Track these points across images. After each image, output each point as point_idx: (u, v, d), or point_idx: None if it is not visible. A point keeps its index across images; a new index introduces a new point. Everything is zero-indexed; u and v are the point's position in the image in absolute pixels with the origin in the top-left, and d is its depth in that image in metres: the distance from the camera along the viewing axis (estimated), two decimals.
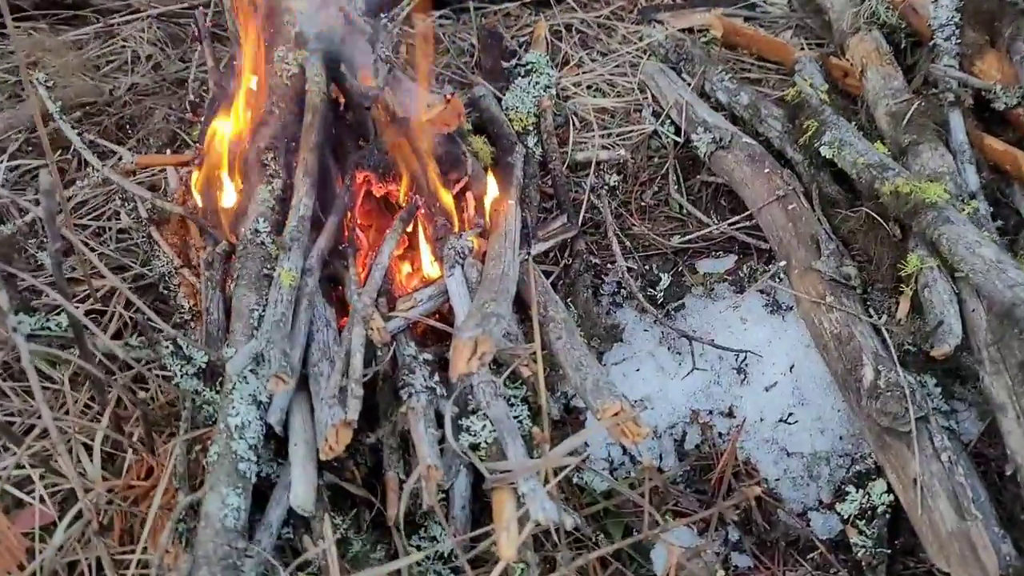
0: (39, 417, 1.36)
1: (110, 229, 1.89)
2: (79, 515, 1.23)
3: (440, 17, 2.89)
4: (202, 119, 1.74)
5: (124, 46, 2.54)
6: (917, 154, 1.77)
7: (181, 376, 1.28)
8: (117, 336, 1.62)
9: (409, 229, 1.57)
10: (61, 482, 1.32)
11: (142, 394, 1.46)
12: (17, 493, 1.31)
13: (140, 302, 1.16)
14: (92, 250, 1.79)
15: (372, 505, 1.32)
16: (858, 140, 1.82)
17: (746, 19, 2.88)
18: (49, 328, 1.33)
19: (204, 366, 1.30)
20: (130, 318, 1.64)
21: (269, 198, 1.44)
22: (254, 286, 1.31)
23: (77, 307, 1.40)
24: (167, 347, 1.28)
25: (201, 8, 1.79)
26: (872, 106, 1.97)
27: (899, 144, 1.81)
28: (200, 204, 1.51)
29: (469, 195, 1.64)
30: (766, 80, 2.56)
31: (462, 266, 1.44)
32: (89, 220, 1.91)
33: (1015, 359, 1.42)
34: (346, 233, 1.50)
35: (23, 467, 1.31)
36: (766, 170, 1.92)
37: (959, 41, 1.90)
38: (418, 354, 1.37)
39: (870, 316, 1.61)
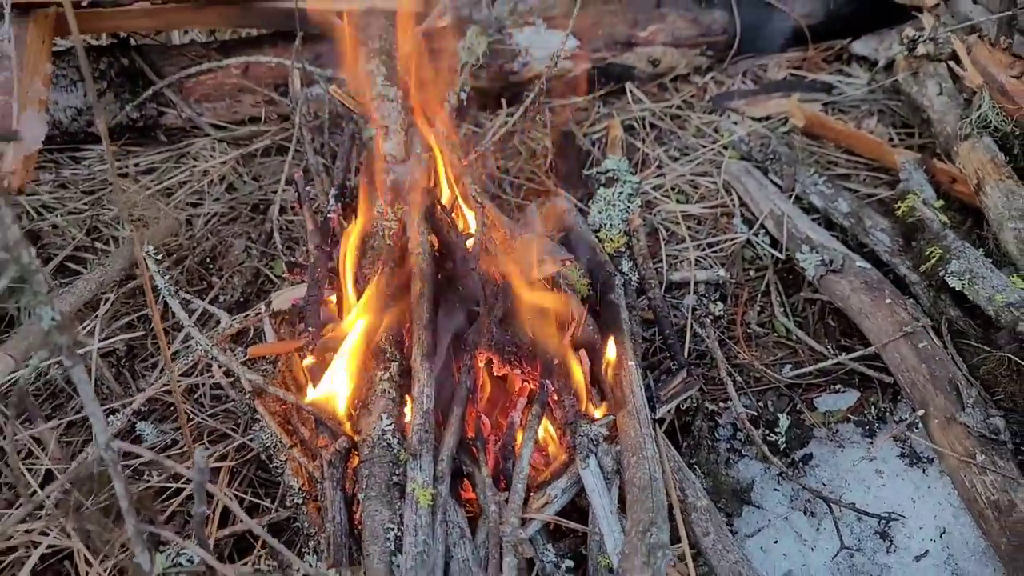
0: None
1: (203, 385, 1.83)
2: None
3: (507, 114, 2.83)
4: (302, 281, 1.67)
5: (195, 166, 2.50)
6: None
7: None
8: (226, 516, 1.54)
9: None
10: None
11: None
12: None
13: (273, 540, 1.08)
14: (190, 418, 1.73)
15: None
16: (991, 272, 1.71)
17: (825, 105, 2.80)
18: (180, 564, 1.26)
19: None
20: (238, 496, 1.57)
21: (389, 388, 1.37)
22: (385, 499, 1.23)
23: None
24: (299, 572, 1.20)
25: (298, 173, 1.73)
26: (997, 227, 1.85)
27: None
28: (316, 392, 1.43)
29: (582, 353, 1.54)
30: (856, 176, 2.45)
31: (596, 455, 1.35)
32: (181, 376, 1.84)
33: None
34: (472, 423, 1.41)
35: None
36: (887, 300, 1.81)
37: None
38: (559, 561, 1.27)
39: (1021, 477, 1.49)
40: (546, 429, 1.46)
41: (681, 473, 1.43)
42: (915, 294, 1.89)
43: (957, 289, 1.74)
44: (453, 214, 1.69)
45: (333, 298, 1.56)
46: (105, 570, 1.44)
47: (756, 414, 1.81)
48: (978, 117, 2.02)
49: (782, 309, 2.04)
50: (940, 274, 1.77)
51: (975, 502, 1.50)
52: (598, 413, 1.44)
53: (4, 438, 1.39)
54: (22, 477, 1.47)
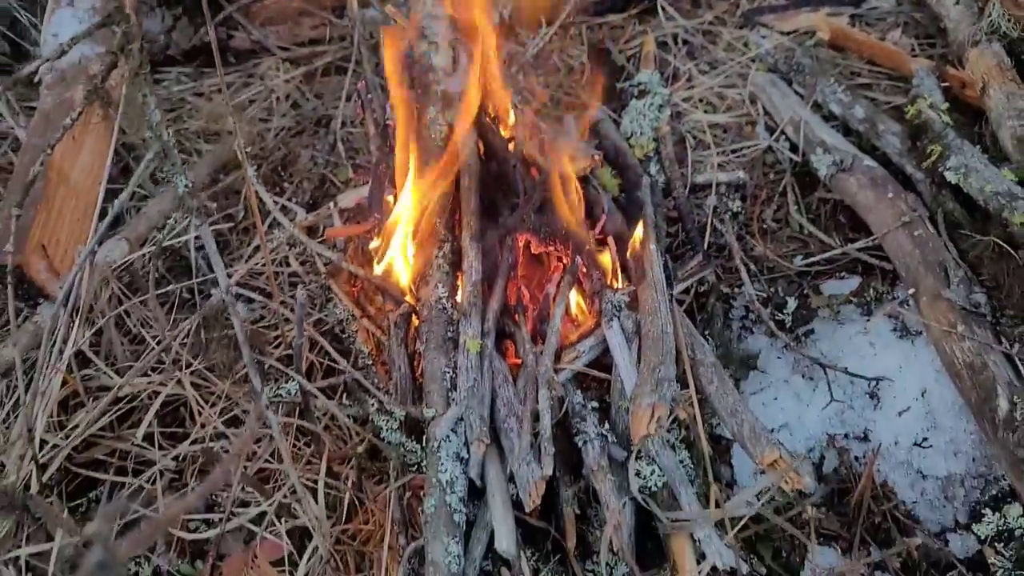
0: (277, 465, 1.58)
1: (282, 274, 2.12)
2: (315, 550, 1.46)
3: (546, 34, 3.00)
4: (368, 181, 1.92)
5: (263, 85, 2.75)
6: None
7: (387, 430, 1.48)
8: (310, 376, 1.84)
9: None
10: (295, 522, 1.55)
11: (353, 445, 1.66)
12: (257, 530, 1.55)
13: (359, 375, 1.36)
14: (268, 295, 2.02)
15: (549, 534, 1.51)
16: (985, 166, 1.88)
17: (852, 17, 2.90)
18: (280, 395, 1.55)
19: (403, 420, 1.50)
20: (318, 362, 1.86)
21: (443, 263, 1.63)
22: (442, 349, 1.50)
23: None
24: (374, 405, 1.48)
25: (361, 84, 1.96)
26: (996, 126, 2.01)
27: None
28: (381, 267, 1.70)
29: (610, 239, 1.78)
30: (877, 85, 2.59)
31: (619, 318, 1.59)
32: (262, 267, 2.13)
33: None
34: (514, 293, 1.67)
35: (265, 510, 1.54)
36: (889, 195, 2.00)
37: None
38: (586, 402, 1.54)
39: (1002, 345, 1.69)
40: (578, 304, 1.71)
41: (692, 337, 1.68)
42: (919, 191, 2.06)
43: (953, 182, 1.91)
44: (497, 119, 1.91)
45: (390, 198, 1.81)
46: (215, 414, 1.76)
47: (767, 297, 2.04)
48: (988, 24, 2.14)
49: (796, 207, 2.23)
50: (940, 169, 1.95)
51: (953, 365, 1.72)
52: (621, 285, 1.69)
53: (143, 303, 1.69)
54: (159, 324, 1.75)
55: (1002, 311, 1.77)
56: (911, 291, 1.86)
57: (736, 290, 2.06)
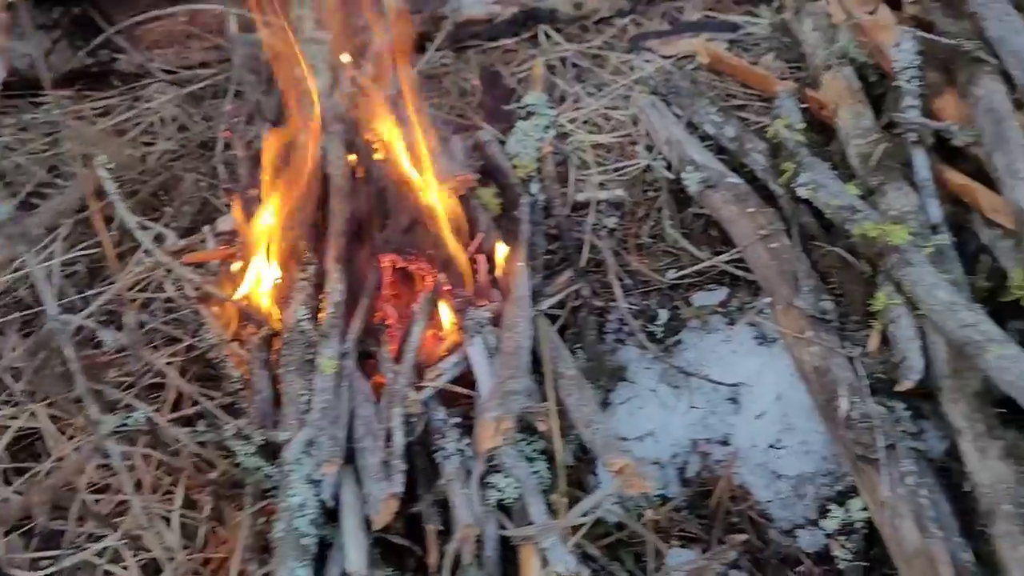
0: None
1: (157, 299, 2.10)
2: None
3: (441, 57, 3.06)
4: (237, 202, 1.93)
5: (148, 108, 2.73)
6: (884, 194, 1.95)
7: (243, 455, 1.49)
8: (176, 406, 1.83)
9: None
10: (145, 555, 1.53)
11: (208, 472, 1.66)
12: (108, 567, 1.52)
13: (209, 405, 1.36)
14: (142, 324, 1.99)
15: (413, 552, 1.53)
16: (832, 181, 2.00)
17: (731, 42, 3.05)
18: (127, 424, 1.54)
19: (262, 445, 1.51)
20: (187, 389, 1.85)
21: (306, 285, 1.65)
22: (300, 371, 1.52)
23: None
24: (229, 431, 1.49)
25: (230, 107, 1.97)
26: (844, 144, 2.14)
27: (868, 184, 1.99)
28: (244, 290, 1.71)
29: (481, 257, 1.83)
30: (750, 106, 2.72)
31: (482, 335, 1.64)
32: (136, 293, 2.11)
33: (970, 389, 1.62)
34: (376, 312, 1.70)
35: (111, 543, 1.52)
36: (750, 209, 2.10)
37: (921, 83, 2.07)
38: (448, 418, 1.57)
39: (845, 349, 1.80)
40: (449, 322, 1.75)
41: (557, 351, 1.73)
42: (780, 205, 2.18)
43: (804, 197, 2.03)
44: (374, 140, 1.95)
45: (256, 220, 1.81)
46: (70, 447, 1.72)
47: (641, 310, 2.11)
48: (839, 49, 2.29)
49: (671, 222, 2.32)
50: (793, 185, 2.06)
51: (803, 369, 1.82)
52: (486, 302, 1.73)
53: None
54: None
55: (847, 316, 1.88)
56: (767, 300, 1.96)
57: (611, 304, 2.13)
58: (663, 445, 1.83)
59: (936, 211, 1.96)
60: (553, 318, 2.05)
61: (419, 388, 1.58)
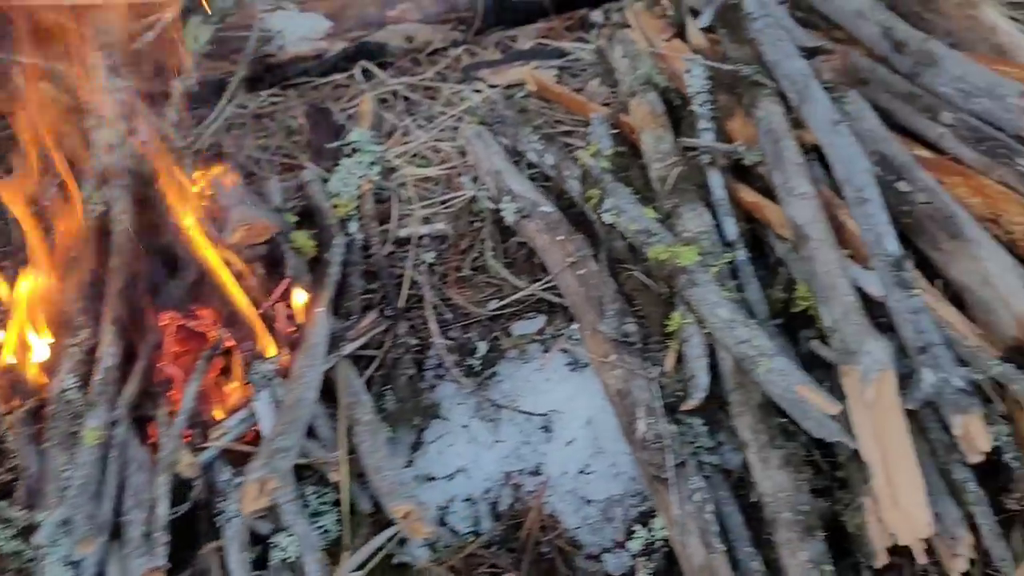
0: None
1: None
2: None
3: (270, 95, 3.01)
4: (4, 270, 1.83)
5: None
6: (680, 215, 2.02)
7: (2, 540, 1.40)
8: None
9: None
10: None
11: None
12: None
13: None
14: None
15: None
16: (632, 206, 2.06)
17: (560, 69, 3.12)
18: None
19: (25, 526, 1.42)
20: None
21: (78, 351, 1.57)
22: (64, 446, 1.44)
23: None
24: None
25: None
26: (648, 168, 2.21)
27: (664, 207, 2.05)
28: (11, 360, 1.61)
29: (280, 305, 1.79)
30: (576, 132, 2.78)
31: (270, 389, 1.60)
32: None
33: (754, 402, 1.68)
34: (155, 373, 1.64)
35: None
36: (560, 237, 2.14)
37: (713, 107, 2.16)
38: (233, 478, 1.52)
39: (646, 370, 1.84)
40: (237, 376, 1.70)
41: (356, 396, 1.71)
42: (595, 230, 2.22)
43: (610, 222, 2.08)
44: (164, 193, 1.89)
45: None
46: None
47: (462, 343, 2.12)
48: (642, 75, 2.37)
49: (492, 253, 2.34)
50: (598, 212, 2.11)
51: (609, 392, 1.85)
52: (274, 353, 1.69)
53: None
54: None
55: (649, 338, 1.93)
56: (576, 326, 1.99)
57: (432, 340, 2.12)
58: (475, 480, 1.82)
59: (732, 228, 2.04)
60: (369, 359, 2.04)
61: (200, 449, 1.52)
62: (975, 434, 1.47)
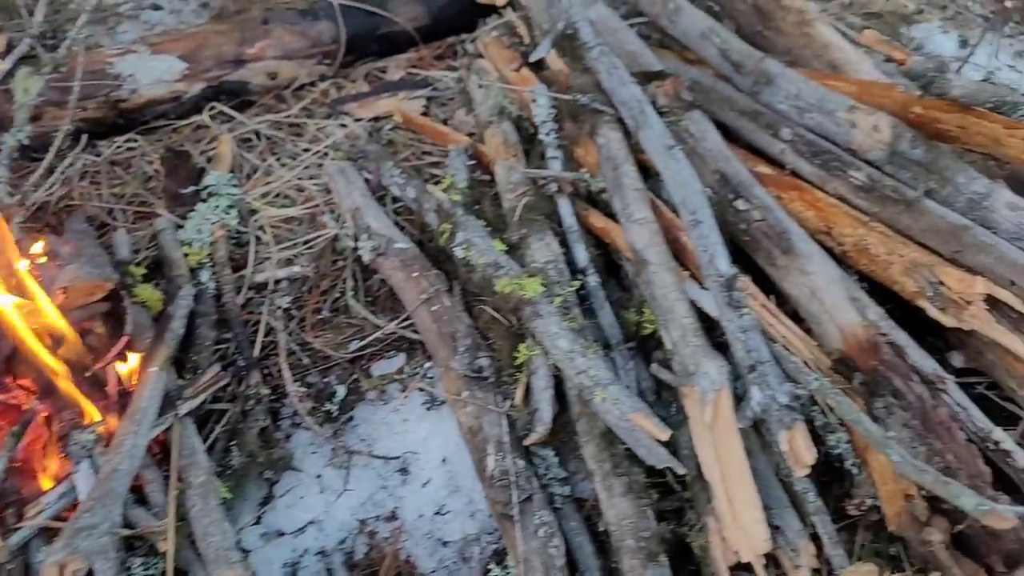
0: None
1: None
2: None
3: (126, 141, 2.90)
4: None
5: None
6: (528, 246, 2.03)
7: None
8: None
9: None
10: None
11: None
12: None
13: None
14: None
15: None
16: (482, 239, 2.05)
17: (430, 99, 3.11)
18: None
19: None
20: None
21: None
22: None
23: None
24: None
25: None
26: (501, 198, 2.22)
27: (512, 239, 2.06)
28: None
29: (110, 369, 1.71)
30: (443, 163, 2.78)
31: (91, 459, 1.52)
32: None
33: (597, 431, 1.69)
34: None
35: None
36: (415, 274, 2.12)
37: (559, 135, 2.18)
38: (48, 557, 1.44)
39: (499, 405, 1.83)
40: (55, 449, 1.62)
41: (192, 457, 1.64)
42: (454, 264, 2.21)
43: (461, 256, 2.07)
44: None
45: None
46: None
47: (321, 389, 2.07)
48: (494, 105, 2.38)
49: (352, 293, 2.30)
50: (451, 246, 2.10)
51: (462, 429, 1.83)
52: (97, 419, 1.62)
53: None
54: None
55: (502, 372, 1.92)
56: (429, 364, 1.97)
57: (291, 388, 2.07)
58: (329, 532, 1.78)
59: (583, 255, 2.06)
60: (222, 413, 1.97)
61: (13, 530, 1.43)
62: (799, 449, 1.51)
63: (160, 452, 1.75)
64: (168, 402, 1.72)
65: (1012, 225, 1.85)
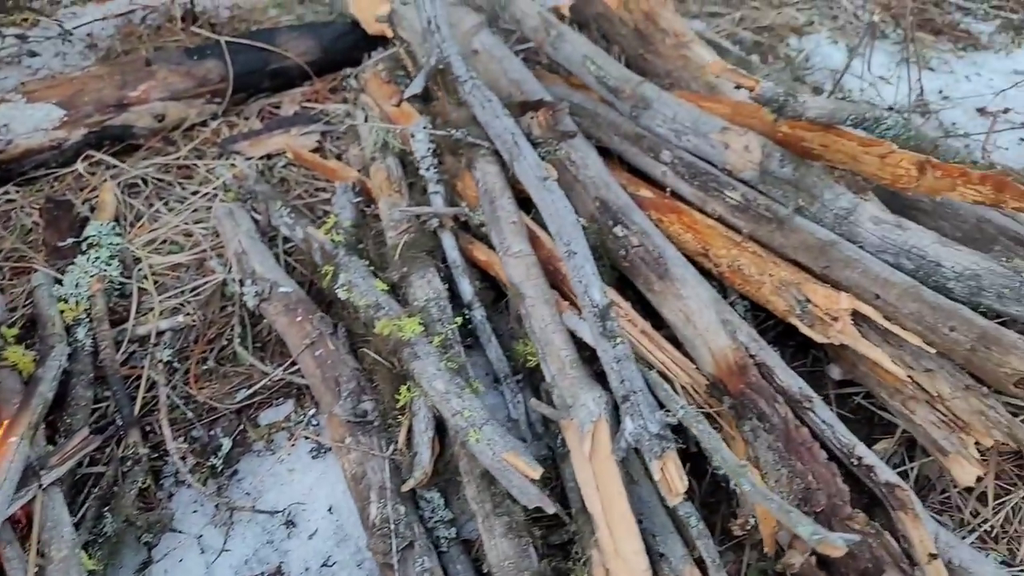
0: None
1: None
2: None
3: (3, 193, 2.79)
4: None
5: None
6: (410, 284, 2.01)
7: None
8: None
9: None
10: None
11: None
12: None
13: None
14: None
15: None
16: (364, 280, 2.03)
17: (324, 134, 3.08)
18: None
19: None
20: None
21: None
22: None
23: None
24: None
25: None
26: (386, 234, 2.19)
27: (395, 277, 2.04)
28: None
29: None
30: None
31: None
32: None
33: (477, 471, 1.67)
34: None
35: None
36: (299, 318, 2.08)
37: (439, 170, 2.17)
38: None
39: (383, 450, 1.81)
40: None
41: (54, 530, 1.57)
42: (341, 306, 2.18)
43: (343, 298, 2.04)
44: None
45: None
46: None
47: (205, 443, 2.00)
48: (376, 141, 2.36)
49: (240, 340, 2.24)
50: (333, 288, 2.07)
51: (347, 476, 1.80)
52: None
53: None
54: None
55: (387, 415, 1.90)
56: (312, 411, 1.93)
57: (176, 445, 2.00)
58: None
59: (467, 289, 2.05)
60: (99, 477, 1.89)
61: None
62: (672, 477, 1.52)
63: (26, 526, 1.67)
64: (31, 472, 1.64)
65: (876, 239, 1.90)
